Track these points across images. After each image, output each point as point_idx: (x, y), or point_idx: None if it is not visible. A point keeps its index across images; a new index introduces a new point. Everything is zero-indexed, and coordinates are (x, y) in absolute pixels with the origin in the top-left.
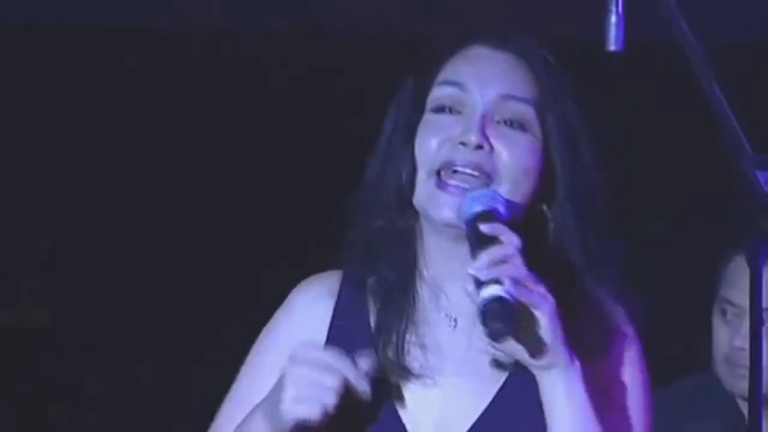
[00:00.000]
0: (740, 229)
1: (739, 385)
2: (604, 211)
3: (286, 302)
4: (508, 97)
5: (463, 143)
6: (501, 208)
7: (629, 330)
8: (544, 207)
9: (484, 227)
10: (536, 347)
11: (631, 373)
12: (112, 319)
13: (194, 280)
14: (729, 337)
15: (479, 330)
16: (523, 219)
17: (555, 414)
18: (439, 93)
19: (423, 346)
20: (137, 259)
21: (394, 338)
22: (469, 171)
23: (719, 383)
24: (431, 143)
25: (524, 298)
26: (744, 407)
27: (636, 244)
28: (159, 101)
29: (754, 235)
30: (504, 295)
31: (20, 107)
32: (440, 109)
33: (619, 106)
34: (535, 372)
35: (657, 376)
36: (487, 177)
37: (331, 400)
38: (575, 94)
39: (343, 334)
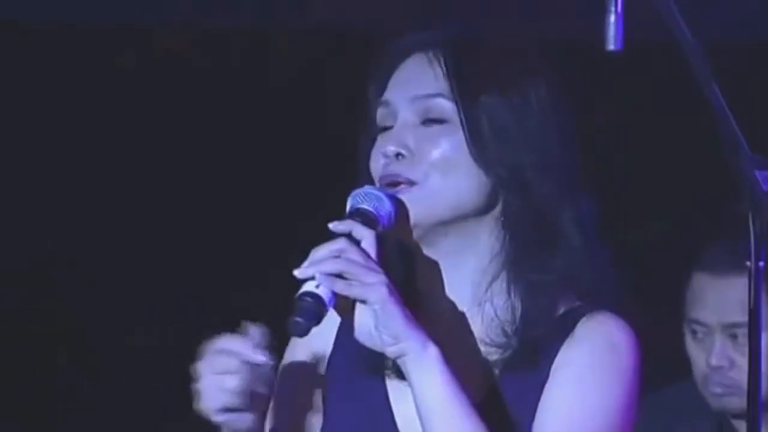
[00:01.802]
0: (739, 229)
1: (723, 404)
2: (580, 207)
3: None
4: (418, 97)
5: (386, 155)
6: (383, 213)
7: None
8: (497, 211)
9: (331, 225)
10: (380, 338)
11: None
12: (112, 319)
13: (195, 279)
14: (704, 358)
15: (476, 324)
16: (474, 213)
17: (416, 403)
18: (378, 116)
19: None
20: (137, 259)
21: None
22: (390, 181)
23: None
24: (375, 164)
25: (344, 292)
26: (738, 425)
27: (635, 244)
28: (159, 101)
29: (752, 235)
30: (313, 290)
31: (20, 107)
32: (382, 130)
33: (618, 106)
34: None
35: (653, 378)
36: (410, 182)
37: (231, 383)
38: (556, 96)
39: (348, 344)
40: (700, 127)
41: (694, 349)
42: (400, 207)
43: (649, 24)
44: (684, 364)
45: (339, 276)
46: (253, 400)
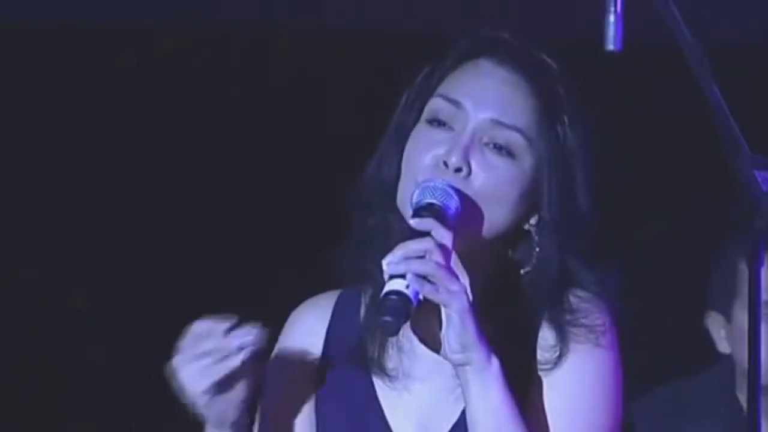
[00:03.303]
0: (739, 229)
1: None
2: (593, 227)
3: (285, 325)
4: (498, 123)
5: (445, 163)
6: (452, 206)
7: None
8: (532, 228)
9: (414, 221)
10: (447, 343)
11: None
12: (112, 318)
13: (195, 280)
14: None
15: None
16: (504, 237)
17: (469, 412)
18: (435, 105)
19: (400, 348)
20: (136, 258)
21: (375, 336)
22: None
23: (719, 382)
24: (419, 157)
25: (430, 295)
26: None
27: (636, 244)
28: (159, 101)
29: (752, 235)
30: (402, 290)
31: (20, 107)
32: (433, 121)
33: (618, 106)
34: (454, 368)
35: (656, 377)
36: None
37: (212, 365)
38: (577, 104)
39: (338, 345)
40: (700, 127)
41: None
42: (465, 203)
43: (649, 24)
44: (683, 363)
45: (425, 277)
46: (234, 384)
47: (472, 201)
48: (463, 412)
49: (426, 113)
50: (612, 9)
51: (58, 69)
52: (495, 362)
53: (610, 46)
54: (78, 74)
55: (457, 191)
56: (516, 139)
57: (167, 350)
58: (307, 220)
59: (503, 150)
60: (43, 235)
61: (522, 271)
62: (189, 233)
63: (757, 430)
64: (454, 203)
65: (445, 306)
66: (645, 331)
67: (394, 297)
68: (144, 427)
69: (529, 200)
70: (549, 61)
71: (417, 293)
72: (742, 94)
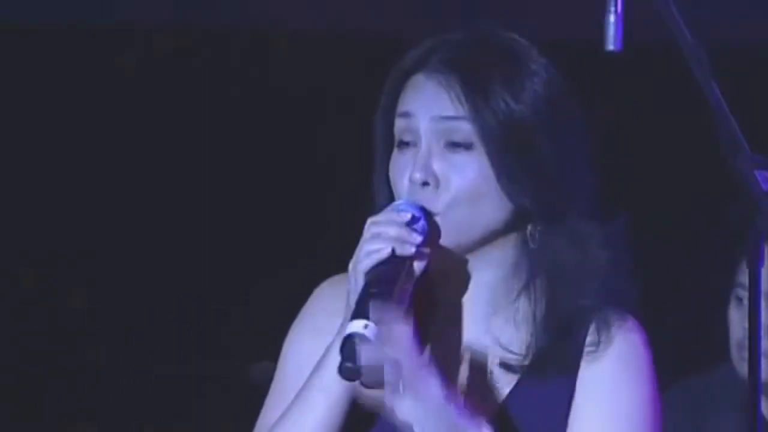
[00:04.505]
0: (739, 229)
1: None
2: (595, 215)
3: (307, 301)
4: (443, 118)
5: (411, 180)
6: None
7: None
8: (529, 227)
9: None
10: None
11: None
12: (111, 318)
13: (194, 280)
14: (742, 322)
15: (488, 338)
16: (505, 231)
17: None
18: (397, 127)
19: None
20: (136, 258)
21: None
22: None
23: (735, 375)
24: (397, 185)
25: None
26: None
27: (636, 244)
28: (159, 101)
29: (752, 234)
30: (362, 331)
31: (19, 107)
32: (401, 144)
33: (618, 106)
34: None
35: (669, 372)
36: (432, 214)
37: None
38: (551, 90)
39: None
40: (700, 127)
41: (735, 315)
42: (431, 224)
43: (648, 24)
44: (683, 361)
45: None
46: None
47: (445, 212)
48: (495, 417)
49: (396, 137)
50: (612, 9)
51: (58, 69)
52: (439, 395)
53: (610, 46)
54: (78, 74)
55: (423, 211)
56: (466, 128)
57: (167, 350)
58: (308, 220)
59: (460, 146)
60: (43, 235)
61: (533, 262)
62: (189, 233)
63: (757, 429)
64: (419, 224)
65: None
66: (649, 329)
67: (359, 342)
68: (144, 427)
69: (506, 191)
70: (501, 37)
71: (378, 332)
72: (742, 95)
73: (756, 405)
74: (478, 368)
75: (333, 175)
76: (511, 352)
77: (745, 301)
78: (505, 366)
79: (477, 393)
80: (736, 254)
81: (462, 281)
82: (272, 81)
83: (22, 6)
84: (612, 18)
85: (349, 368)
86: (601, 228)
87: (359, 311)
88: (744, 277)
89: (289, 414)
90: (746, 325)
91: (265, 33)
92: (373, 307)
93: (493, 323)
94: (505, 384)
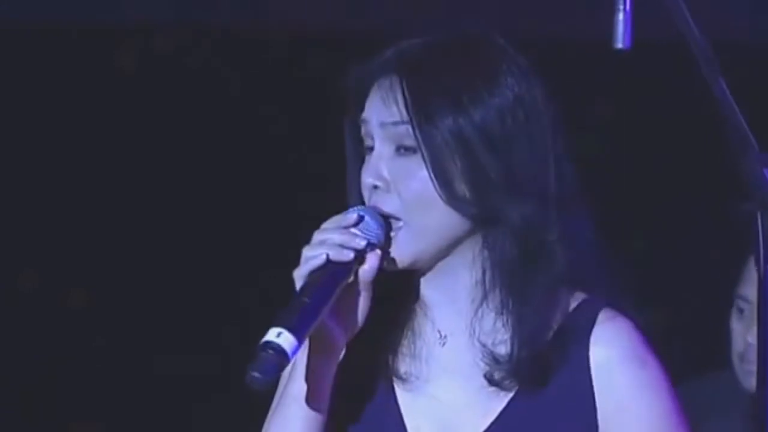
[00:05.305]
0: (745, 229)
1: (753, 381)
2: (570, 219)
3: None
4: (385, 124)
5: (364, 185)
6: (372, 239)
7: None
8: (479, 237)
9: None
10: None
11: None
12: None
13: (194, 280)
14: (743, 334)
15: (475, 347)
16: (463, 234)
17: None
18: (362, 133)
19: (412, 356)
20: (135, 258)
21: (386, 341)
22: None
23: (737, 383)
24: (362, 188)
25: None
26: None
27: (636, 244)
28: (158, 101)
29: (760, 234)
30: (275, 340)
31: (19, 107)
32: (367, 149)
33: (621, 106)
34: None
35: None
36: (387, 217)
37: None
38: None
39: (358, 344)
40: (705, 126)
41: (737, 326)
42: (385, 226)
43: (655, 22)
44: (691, 363)
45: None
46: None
47: (403, 216)
48: (490, 426)
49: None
50: (621, 7)
51: (57, 69)
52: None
53: (619, 44)
54: (77, 73)
55: (373, 215)
56: (407, 131)
57: (167, 350)
58: (309, 220)
59: (408, 150)
60: (43, 235)
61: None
62: (189, 232)
63: (765, 428)
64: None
65: None
66: (650, 333)
67: (270, 352)
68: (144, 427)
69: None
70: (468, 41)
71: (297, 341)
72: (751, 93)
73: (765, 414)
74: (468, 379)
75: (335, 175)
76: (491, 366)
77: (747, 313)
78: (493, 380)
79: (471, 402)
80: (739, 264)
81: (429, 286)
82: (272, 81)
83: (22, 6)
84: (621, 16)
85: (253, 378)
86: (568, 227)
87: (280, 318)
88: (745, 289)
89: (271, 426)
90: (748, 337)
91: (265, 33)
92: (294, 315)
93: (461, 340)
94: (502, 396)
